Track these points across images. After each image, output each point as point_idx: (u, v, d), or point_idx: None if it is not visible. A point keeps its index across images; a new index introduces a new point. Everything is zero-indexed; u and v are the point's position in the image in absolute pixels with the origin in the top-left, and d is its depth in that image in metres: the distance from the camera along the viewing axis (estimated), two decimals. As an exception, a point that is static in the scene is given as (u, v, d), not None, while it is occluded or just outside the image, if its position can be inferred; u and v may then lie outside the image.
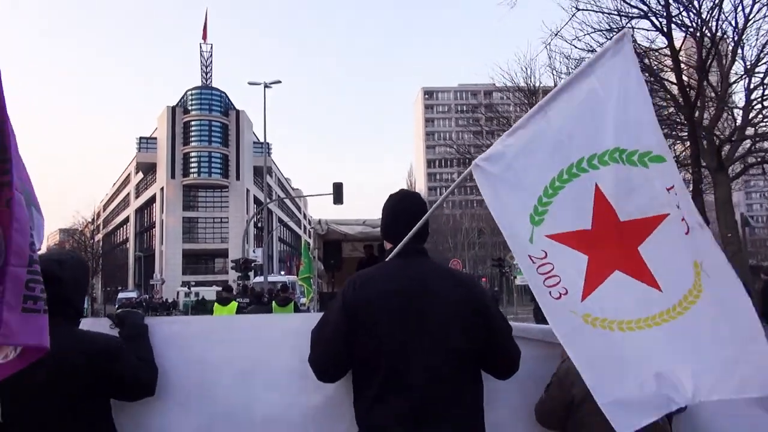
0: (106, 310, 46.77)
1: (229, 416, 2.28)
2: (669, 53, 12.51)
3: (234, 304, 11.48)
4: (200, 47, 66.70)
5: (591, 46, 13.04)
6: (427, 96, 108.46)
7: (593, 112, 1.99)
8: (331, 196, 26.03)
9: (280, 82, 31.41)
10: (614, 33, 12.53)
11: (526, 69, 20.04)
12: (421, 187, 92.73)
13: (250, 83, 30.90)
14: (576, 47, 13.25)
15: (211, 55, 66.92)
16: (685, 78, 13.11)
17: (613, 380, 1.84)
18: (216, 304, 11.92)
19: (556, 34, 12.95)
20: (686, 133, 12.74)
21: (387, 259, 2.12)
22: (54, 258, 2.00)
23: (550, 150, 2.02)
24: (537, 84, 19.63)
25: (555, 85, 18.92)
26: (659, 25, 12.22)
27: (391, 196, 2.26)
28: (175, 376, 2.25)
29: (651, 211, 1.92)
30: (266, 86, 30.95)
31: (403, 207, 2.19)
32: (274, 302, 12.05)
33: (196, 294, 47.31)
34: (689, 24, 12.29)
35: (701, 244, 1.92)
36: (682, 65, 12.92)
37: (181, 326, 2.46)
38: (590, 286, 1.92)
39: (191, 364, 2.30)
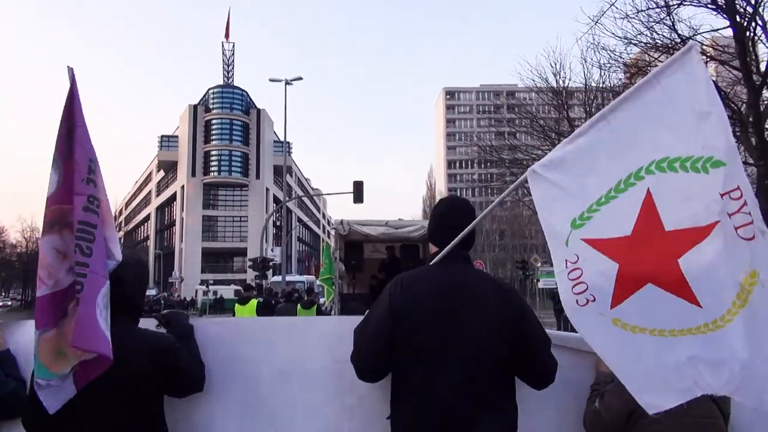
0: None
1: (269, 414, 2.36)
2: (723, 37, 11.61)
3: (253, 303, 11.44)
4: (222, 46, 67.23)
5: (629, 37, 12.15)
6: (448, 96, 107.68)
7: (658, 122, 1.92)
8: (351, 195, 25.65)
9: (301, 78, 31.06)
10: (656, 23, 11.70)
11: (555, 64, 19.18)
12: (441, 188, 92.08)
13: (271, 80, 30.54)
14: (616, 35, 12.33)
15: (233, 53, 67.17)
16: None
17: (641, 369, 1.83)
18: (237, 304, 11.93)
19: (596, 22, 12.05)
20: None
21: (432, 263, 2.13)
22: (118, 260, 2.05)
23: (610, 159, 1.96)
24: (567, 81, 18.75)
25: (585, 81, 18.62)
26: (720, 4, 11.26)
27: (440, 201, 2.35)
28: (218, 374, 2.33)
29: (701, 221, 1.81)
30: (287, 83, 30.58)
31: (450, 212, 2.22)
32: (299, 305, 12.38)
33: (215, 293, 47.33)
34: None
35: (763, 253, 1.78)
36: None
37: (223, 327, 2.51)
38: (620, 296, 1.86)
39: (233, 364, 2.38)
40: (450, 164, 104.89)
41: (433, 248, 2.22)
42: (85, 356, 1.76)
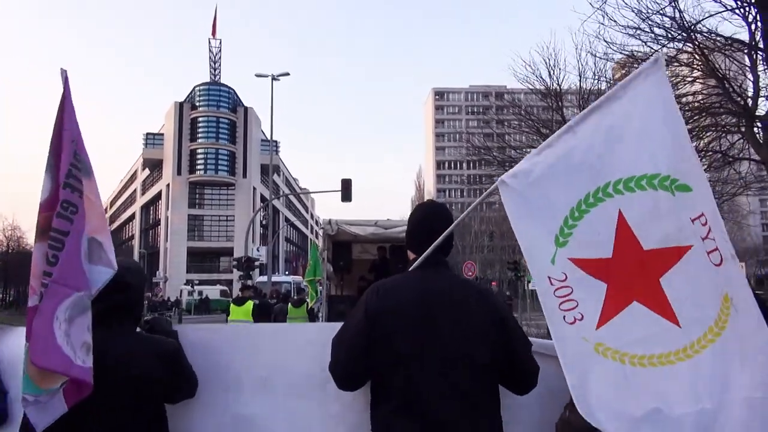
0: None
1: (251, 422, 2.32)
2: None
3: (249, 304, 11.20)
4: (209, 43, 65.99)
5: (631, 26, 11.70)
6: (437, 97, 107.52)
7: (623, 135, 1.94)
8: (339, 195, 25.24)
9: (288, 74, 30.55)
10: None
11: (549, 60, 18.71)
12: (430, 189, 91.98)
13: (257, 75, 29.89)
14: (618, 24, 11.85)
15: (220, 50, 66.32)
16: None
17: (610, 413, 1.80)
18: (232, 304, 11.68)
19: (600, 6, 11.54)
20: (736, 122, 11.39)
21: (410, 269, 2.11)
22: (122, 264, 2.01)
23: (577, 171, 1.98)
24: (561, 78, 18.34)
25: (580, 75, 18.24)
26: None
27: (417, 206, 2.29)
28: (201, 380, 2.28)
29: (675, 242, 1.85)
30: (274, 78, 30.04)
31: (427, 217, 2.20)
32: (289, 303, 12.49)
33: (200, 293, 46.66)
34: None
35: (733, 277, 1.83)
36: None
37: (207, 333, 2.49)
38: (607, 315, 1.88)
39: (214, 370, 2.34)
40: (439, 165, 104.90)
41: (411, 255, 2.19)
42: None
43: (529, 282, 29.84)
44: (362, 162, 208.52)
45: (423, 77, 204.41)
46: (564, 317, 1.92)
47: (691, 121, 11.44)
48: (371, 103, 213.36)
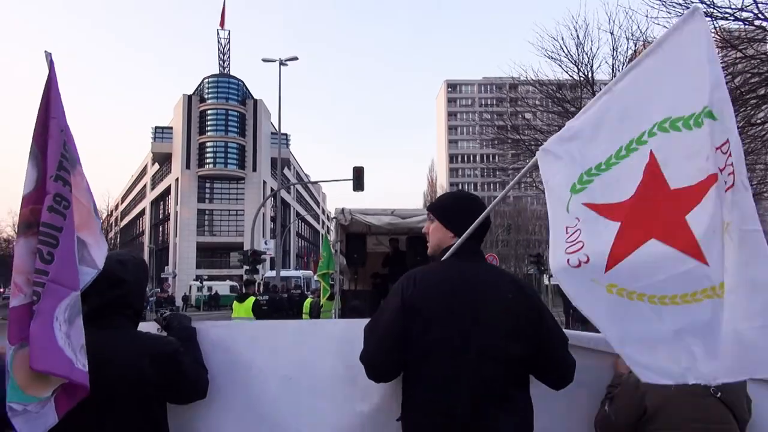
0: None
1: (276, 422, 2.28)
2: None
3: (250, 300, 11.00)
4: (218, 33, 65.01)
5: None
6: (450, 89, 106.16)
7: (659, 84, 1.88)
8: (351, 187, 23.92)
9: (296, 58, 29.14)
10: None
11: (578, 31, 17.18)
12: (442, 183, 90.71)
13: (264, 60, 28.70)
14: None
15: (229, 42, 65.24)
16: None
17: (633, 333, 1.75)
18: (235, 301, 11.49)
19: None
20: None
21: (443, 258, 2.08)
22: (115, 258, 1.96)
23: (612, 128, 1.93)
24: (593, 47, 16.84)
25: (613, 48, 16.80)
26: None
27: (449, 195, 2.29)
28: (222, 380, 2.23)
29: (702, 175, 1.75)
30: (282, 63, 28.80)
31: (461, 206, 2.16)
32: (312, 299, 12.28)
33: (209, 289, 45.97)
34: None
35: (738, 204, 1.73)
36: None
37: (227, 330, 2.43)
38: (618, 255, 1.78)
39: (237, 369, 2.30)
40: (452, 158, 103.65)
41: (448, 235, 2.12)
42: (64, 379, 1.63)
43: (550, 277, 28.88)
44: (373, 157, 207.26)
45: (436, 71, 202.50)
46: (568, 260, 1.82)
47: None
48: (383, 98, 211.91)
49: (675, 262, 1.72)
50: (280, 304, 12.91)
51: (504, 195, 2.47)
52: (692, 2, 10.32)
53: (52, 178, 1.68)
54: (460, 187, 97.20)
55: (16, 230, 1.76)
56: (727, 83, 1.85)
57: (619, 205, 1.85)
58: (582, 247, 1.83)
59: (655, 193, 1.81)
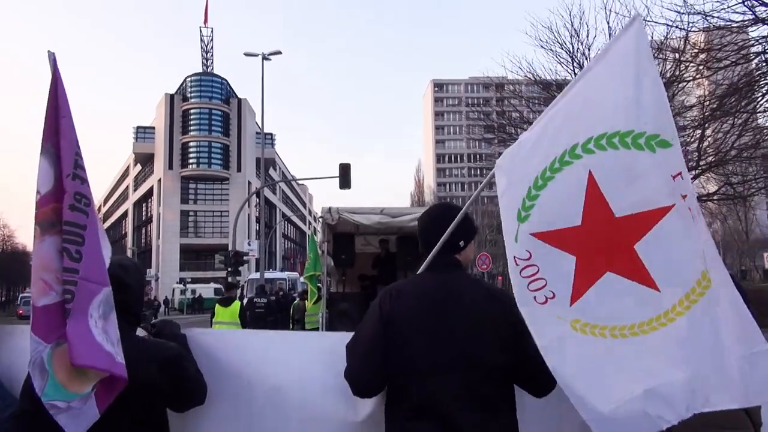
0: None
1: (265, 431, 2.27)
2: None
3: (237, 305, 10.38)
4: (200, 31, 63.67)
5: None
6: (437, 89, 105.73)
7: (597, 96, 1.85)
8: (337, 186, 23.00)
9: (280, 53, 28.13)
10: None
11: (572, 18, 16.55)
12: (430, 183, 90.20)
13: (246, 54, 27.74)
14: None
15: (212, 39, 64.68)
16: None
17: (599, 394, 1.73)
18: (217, 305, 10.67)
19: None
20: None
21: (419, 272, 2.12)
22: (117, 263, 1.95)
23: (551, 138, 1.90)
24: (590, 36, 16.18)
25: (610, 37, 16.23)
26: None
27: (429, 208, 2.32)
28: (210, 388, 2.16)
29: (653, 204, 1.74)
30: (264, 58, 27.82)
31: (435, 219, 2.16)
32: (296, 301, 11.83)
33: (192, 291, 45.05)
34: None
35: (703, 234, 1.77)
36: None
37: (216, 338, 2.42)
38: (579, 290, 1.81)
39: (226, 378, 2.27)
40: (439, 158, 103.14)
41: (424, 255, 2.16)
42: (104, 373, 1.67)
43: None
44: (360, 158, 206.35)
45: (423, 70, 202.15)
46: (535, 297, 1.84)
47: None
48: (370, 99, 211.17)
49: (627, 290, 1.75)
50: (274, 308, 12.56)
51: (467, 207, 2.33)
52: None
53: (69, 177, 1.71)
54: (447, 187, 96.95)
55: (37, 228, 1.71)
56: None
57: (567, 232, 1.82)
58: (545, 284, 1.83)
59: (601, 222, 1.77)
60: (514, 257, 1.88)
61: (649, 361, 1.72)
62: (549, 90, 17.68)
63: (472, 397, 1.83)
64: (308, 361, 2.32)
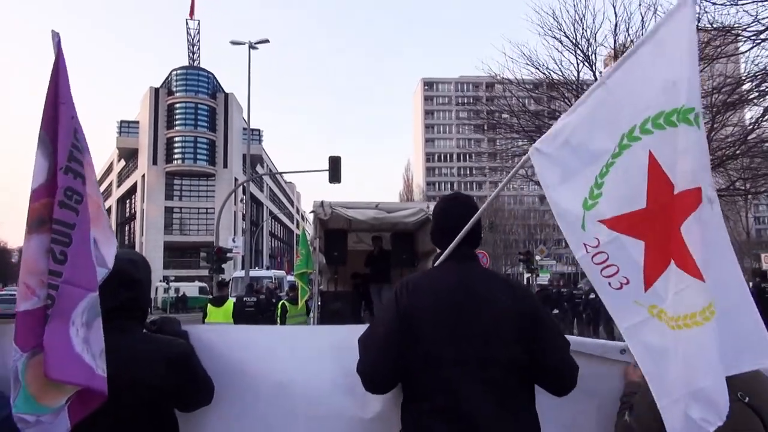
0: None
1: (269, 429, 2.24)
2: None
3: (230, 303, 10.18)
4: (186, 24, 62.25)
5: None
6: (427, 87, 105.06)
7: (649, 76, 1.83)
8: (327, 181, 22.37)
9: (267, 41, 27.07)
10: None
11: (576, 3, 15.79)
12: (419, 182, 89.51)
13: (233, 42, 26.62)
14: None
15: (199, 32, 63.24)
16: None
17: (671, 381, 1.72)
18: (209, 304, 10.42)
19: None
20: None
21: (436, 264, 2.09)
22: (126, 257, 1.89)
23: (606, 124, 1.90)
24: (595, 24, 15.37)
25: (616, 28, 15.51)
26: None
27: (441, 199, 2.27)
28: (215, 386, 2.11)
29: (698, 180, 1.72)
30: (251, 47, 26.70)
31: (454, 210, 2.14)
32: (284, 301, 11.44)
33: (176, 290, 44.08)
34: None
35: (716, 220, 1.76)
36: None
37: (220, 335, 2.36)
38: (652, 276, 1.78)
39: (230, 375, 2.23)
40: (429, 157, 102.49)
41: (438, 250, 2.17)
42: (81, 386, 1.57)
43: (537, 277, 27.51)
44: (349, 157, 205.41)
45: (413, 69, 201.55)
46: (609, 283, 1.84)
47: None
48: (358, 96, 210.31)
49: (684, 280, 1.70)
50: (265, 306, 12.33)
51: (497, 193, 2.48)
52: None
53: (62, 170, 1.60)
54: (436, 186, 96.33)
55: (26, 227, 1.60)
56: None
57: (633, 216, 1.81)
58: (618, 271, 1.82)
59: (664, 200, 1.76)
60: (584, 244, 1.86)
61: (701, 356, 1.67)
62: (552, 88, 16.83)
63: (491, 393, 1.79)
64: (316, 357, 2.27)
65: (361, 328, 2.06)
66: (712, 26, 10.55)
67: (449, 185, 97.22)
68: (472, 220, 2.05)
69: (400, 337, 1.86)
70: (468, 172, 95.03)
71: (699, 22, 9.64)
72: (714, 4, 9.83)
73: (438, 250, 2.13)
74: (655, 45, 1.83)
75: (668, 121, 1.76)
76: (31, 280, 1.54)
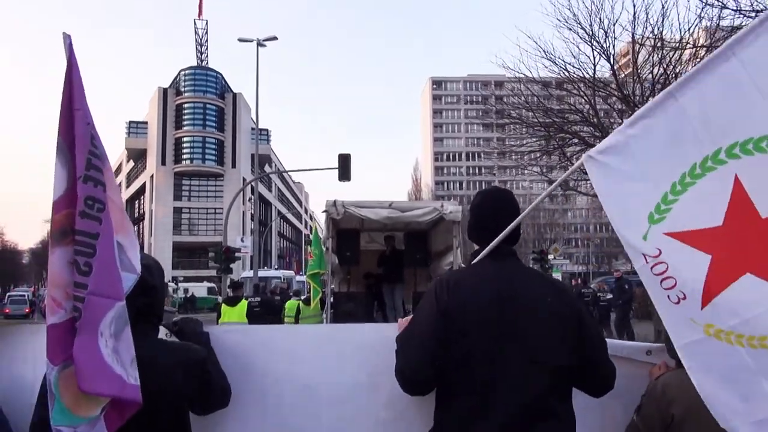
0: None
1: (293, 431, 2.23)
2: None
3: (244, 304, 10.08)
4: (195, 24, 62.43)
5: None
6: (435, 86, 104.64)
7: (737, 98, 1.76)
8: (336, 183, 22.04)
9: (276, 38, 26.98)
10: None
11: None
12: (428, 182, 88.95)
13: (240, 40, 26.48)
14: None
15: (207, 32, 63.07)
16: None
17: (734, 403, 1.67)
18: (224, 305, 10.45)
19: None
20: None
21: (476, 260, 2.03)
22: (143, 263, 1.84)
23: (682, 141, 1.83)
24: (614, 13, 14.77)
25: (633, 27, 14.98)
26: None
27: (480, 193, 2.17)
28: (236, 388, 2.09)
29: None
30: (260, 44, 26.55)
31: (497, 205, 2.09)
32: (300, 302, 11.29)
33: (185, 290, 44.04)
34: None
35: None
36: None
37: (242, 335, 2.36)
38: (712, 291, 1.73)
39: (252, 376, 2.22)
40: (437, 157, 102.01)
41: (475, 246, 2.11)
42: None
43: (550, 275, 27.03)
44: (358, 158, 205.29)
45: (422, 68, 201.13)
46: (668, 296, 1.77)
47: None
48: (369, 96, 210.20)
49: (760, 288, 1.64)
50: (273, 307, 12.19)
51: (548, 193, 2.51)
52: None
53: (81, 179, 1.58)
54: (445, 186, 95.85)
55: (51, 239, 1.60)
56: None
57: (705, 233, 1.77)
58: (675, 284, 1.77)
59: (746, 223, 1.71)
60: (643, 255, 1.81)
61: None
62: (567, 83, 16.22)
63: (530, 396, 1.76)
64: (338, 357, 2.24)
65: (382, 327, 2.02)
66: None
67: (458, 185, 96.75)
68: (519, 217, 2.02)
69: (441, 335, 1.81)
70: (477, 171, 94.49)
71: None
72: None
73: (476, 246, 2.06)
74: (741, 65, 1.73)
75: (758, 147, 1.72)
76: (57, 293, 1.55)
